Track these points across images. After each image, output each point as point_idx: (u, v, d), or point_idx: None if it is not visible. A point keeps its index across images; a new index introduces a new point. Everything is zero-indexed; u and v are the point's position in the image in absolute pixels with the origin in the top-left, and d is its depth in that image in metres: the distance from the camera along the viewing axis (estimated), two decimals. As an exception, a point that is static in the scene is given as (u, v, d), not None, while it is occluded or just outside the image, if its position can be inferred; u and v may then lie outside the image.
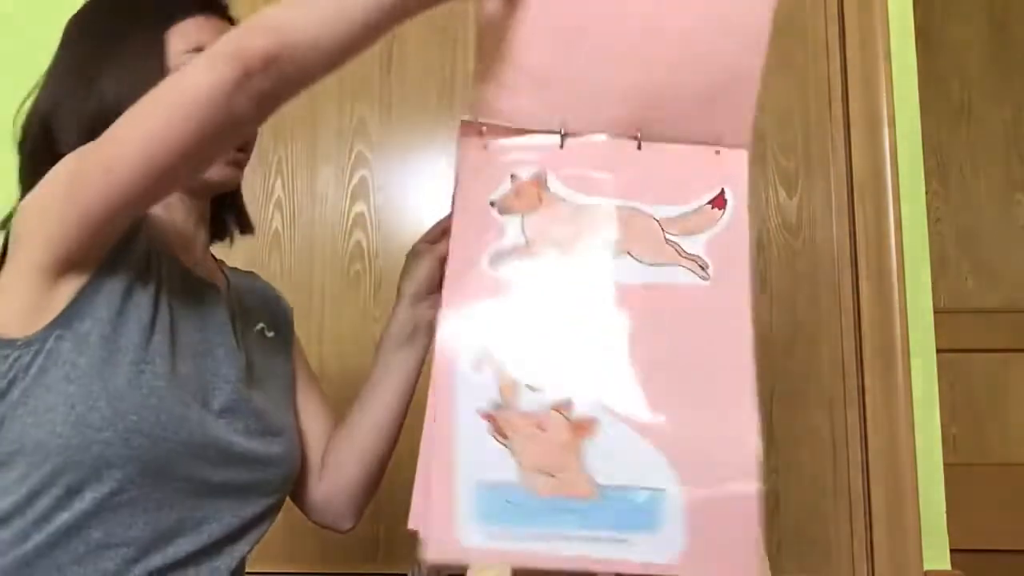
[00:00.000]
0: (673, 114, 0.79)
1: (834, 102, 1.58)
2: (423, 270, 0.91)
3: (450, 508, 0.70)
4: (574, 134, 0.80)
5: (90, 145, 0.74)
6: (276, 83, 0.68)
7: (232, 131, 0.72)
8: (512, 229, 0.78)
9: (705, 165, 0.79)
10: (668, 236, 0.77)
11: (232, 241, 1.01)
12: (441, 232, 0.89)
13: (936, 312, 1.50)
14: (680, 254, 0.77)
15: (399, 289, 0.95)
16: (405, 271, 0.94)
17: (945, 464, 1.47)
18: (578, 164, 0.79)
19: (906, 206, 1.51)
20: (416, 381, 0.95)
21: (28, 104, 0.88)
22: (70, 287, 0.76)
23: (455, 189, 0.79)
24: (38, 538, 0.74)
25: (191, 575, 0.80)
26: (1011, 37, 2.25)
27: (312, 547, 1.49)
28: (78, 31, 0.89)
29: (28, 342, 0.75)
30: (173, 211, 0.89)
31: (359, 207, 1.58)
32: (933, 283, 1.51)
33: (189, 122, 0.67)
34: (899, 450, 1.45)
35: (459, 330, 0.74)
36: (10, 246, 0.78)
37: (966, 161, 2.22)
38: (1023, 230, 2.20)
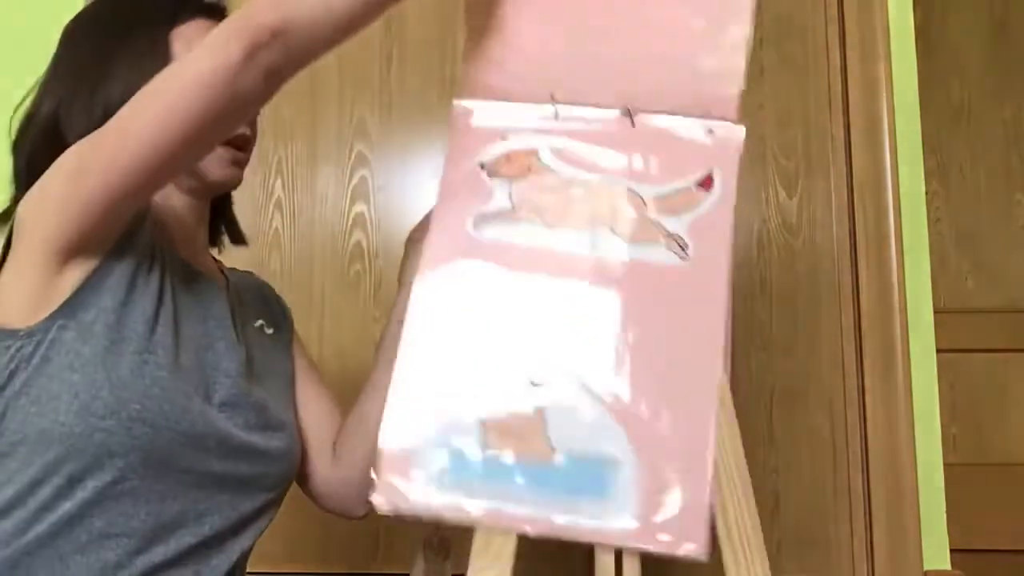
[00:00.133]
0: (661, 87, 0.80)
1: (834, 102, 1.58)
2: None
3: (408, 462, 0.70)
4: (565, 104, 0.81)
5: (96, 132, 0.75)
6: (282, 57, 0.70)
7: (242, 106, 0.74)
8: (499, 194, 0.78)
9: (697, 144, 0.80)
10: (652, 215, 0.78)
11: (221, 249, 1.02)
12: None
13: (936, 312, 1.50)
14: (662, 233, 0.77)
15: (400, 277, 0.96)
16: (406, 258, 0.96)
17: (945, 464, 1.47)
18: (571, 137, 0.80)
19: (906, 206, 1.51)
20: None
21: (25, 107, 0.88)
22: (75, 275, 0.77)
23: (447, 155, 0.80)
24: (40, 528, 0.75)
25: (192, 569, 0.81)
26: (1011, 37, 2.26)
27: (312, 547, 1.49)
28: (80, 33, 0.90)
29: (30, 332, 0.76)
30: (175, 211, 0.90)
31: (359, 207, 1.58)
32: (933, 283, 1.51)
33: (202, 98, 0.70)
34: (899, 450, 1.45)
35: (436, 288, 0.75)
36: (13, 239, 0.79)
37: (966, 161, 2.22)
38: (1023, 230, 2.20)
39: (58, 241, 0.75)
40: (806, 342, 1.52)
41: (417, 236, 0.94)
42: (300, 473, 0.98)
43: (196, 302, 0.87)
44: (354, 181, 1.59)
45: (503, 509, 0.69)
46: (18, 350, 0.76)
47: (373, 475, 0.70)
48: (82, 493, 0.75)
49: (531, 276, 0.76)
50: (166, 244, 0.86)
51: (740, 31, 0.82)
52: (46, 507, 0.75)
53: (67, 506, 0.75)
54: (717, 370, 0.73)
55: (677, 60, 0.80)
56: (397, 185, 1.58)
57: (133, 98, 0.73)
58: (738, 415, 0.74)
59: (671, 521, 0.68)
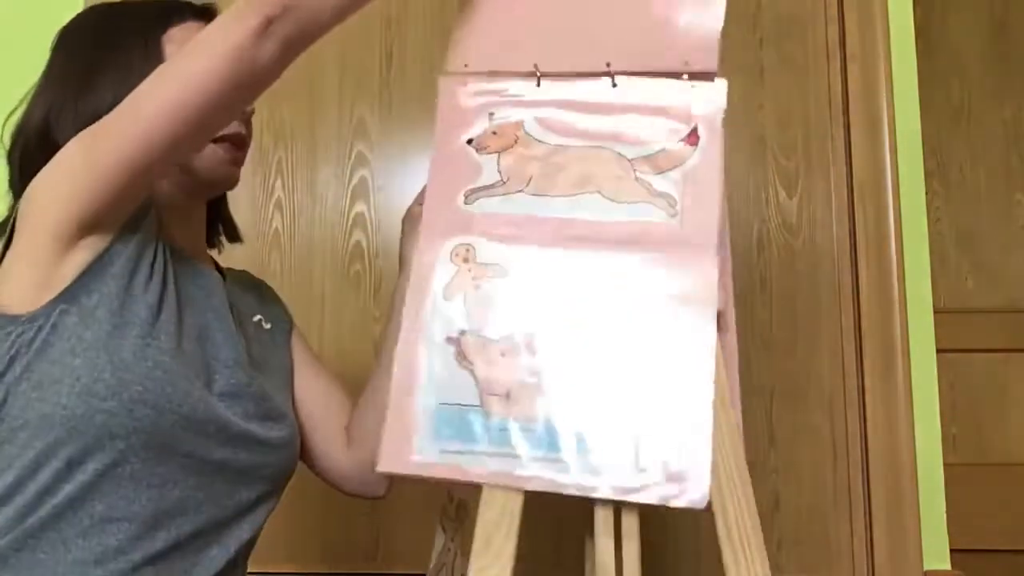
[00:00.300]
0: (642, 44, 0.82)
1: (834, 102, 1.58)
2: None
3: (409, 425, 0.73)
4: (548, 74, 0.82)
5: (108, 114, 0.77)
6: (294, 28, 0.75)
7: (259, 78, 0.77)
8: (488, 168, 0.81)
9: (679, 101, 0.81)
10: (639, 175, 0.79)
11: (220, 250, 1.03)
12: None
13: (936, 312, 1.50)
14: (650, 192, 0.78)
15: (401, 254, 0.97)
16: (406, 236, 0.97)
17: (945, 464, 1.47)
18: (554, 105, 0.82)
19: (906, 206, 1.51)
20: None
21: (18, 115, 0.89)
22: (78, 260, 0.77)
23: (436, 132, 0.83)
24: (42, 512, 0.75)
25: (190, 560, 0.81)
26: (1011, 37, 2.25)
27: (312, 547, 1.49)
28: (71, 40, 0.91)
29: (32, 317, 0.77)
30: (176, 211, 0.91)
31: (359, 207, 1.58)
32: (933, 283, 1.51)
33: (220, 69, 0.74)
34: (899, 450, 1.45)
35: (434, 261, 0.77)
36: (16, 228, 0.79)
37: (966, 161, 2.22)
38: (1023, 230, 2.20)
39: (68, 221, 0.76)
40: (806, 342, 1.52)
41: (416, 212, 0.96)
42: (317, 462, 1.00)
43: (196, 294, 0.88)
44: (354, 181, 1.59)
45: (507, 471, 0.71)
46: (19, 336, 0.77)
47: (380, 445, 0.72)
48: (82, 476, 0.75)
49: (524, 246, 0.77)
50: (167, 239, 0.87)
51: None
52: (47, 491, 0.75)
53: (68, 489, 0.75)
54: (712, 323, 0.74)
55: (656, 15, 0.82)
56: (397, 185, 1.58)
57: (148, 78, 0.76)
58: (738, 415, 0.74)
59: (673, 474, 0.70)
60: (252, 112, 0.93)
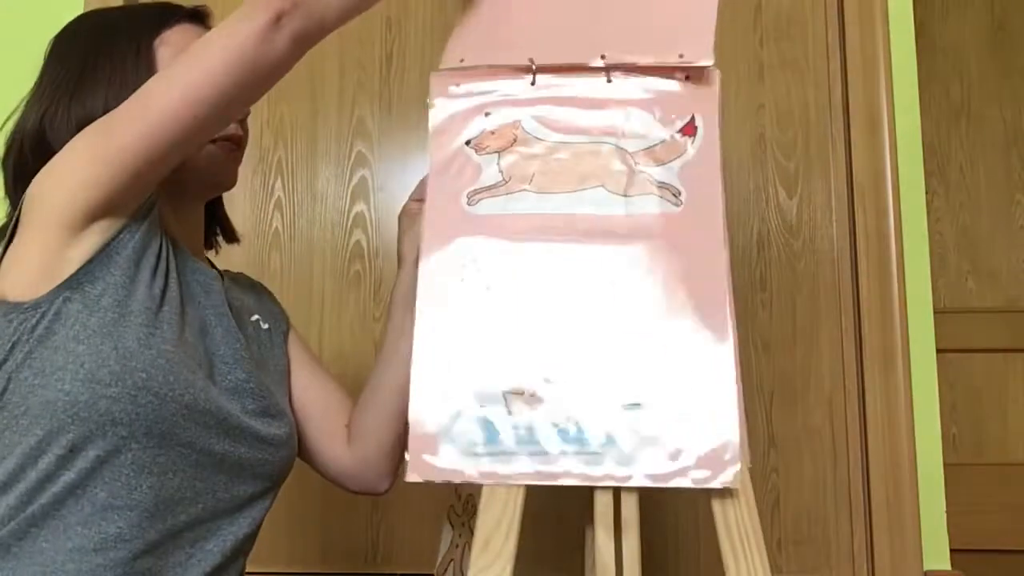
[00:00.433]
0: (636, 34, 0.82)
1: (834, 102, 1.58)
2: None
3: (433, 432, 0.73)
4: (544, 69, 0.83)
5: (122, 105, 0.78)
6: (303, 22, 0.78)
7: (271, 70, 0.79)
8: (489, 168, 0.81)
9: (675, 92, 0.82)
10: (640, 167, 0.80)
11: (218, 251, 1.04)
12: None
13: (936, 312, 1.50)
14: (653, 184, 0.79)
15: (400, 251, 0.98)
16: (403, 232, 0.97)
17: (945, 464, 1.47)
18: (550, 102, 0.82)
19: (906, 206, 1.51)
20: None
21: (12, 121, 0.90)
22: (85, 248, 0.78)
23: (430, 133, 0.83)
24: (43, 499, 0.75)
25: (186, 552, 0.82)
26: (1011, 37, 2.26)
27: (312, 547, 1.49)
28: (65, 46, 0.92)
29: (35, 305, 0.77)
30: (175, 211, 0.92)
31: (359, 207, 1.58)
32: (933, 283, 1.51)
33: (233, 61, 0.76)
34: (899, 450, 1.45)
35: (441, 265, 0.78)
36: (22, 218, 0.80)
37: (966, 161, 2.22)
38: (1023, 230, 2.20)
39: (76, 208, 0.77)
40: (806, 342, 1.52)
41: (412, 208, 0.97)
42: (318, 460, 1.00)
43: (197, 290, 0.89)
44: (354, 181, 1.59)
45: (537, 468, 0.71)
46: (21, 323, 0.77)
47: (406, 456, 0.72)
48: (84, 462, 0.75)
49: (532, 244, 0.78)
50: (170, 237, 0.88)
51: None
52: (48, 478, 0.76)
53: (69, 475, 0.75)
54: (727, 307, 0.74)
55: (651, 6, 0.83)
56: (397, 185, 1.58)
57: (161, 71, 0.80)
58: (738, 415, 0.74)
59: (703, 457, 0.71)
60: (248, 113, 0.95)
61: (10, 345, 0.77)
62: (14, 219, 0.82)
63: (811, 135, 1.58)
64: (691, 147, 0.79)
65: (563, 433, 0.72)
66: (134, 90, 0.79)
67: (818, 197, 1.56)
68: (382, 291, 1.55)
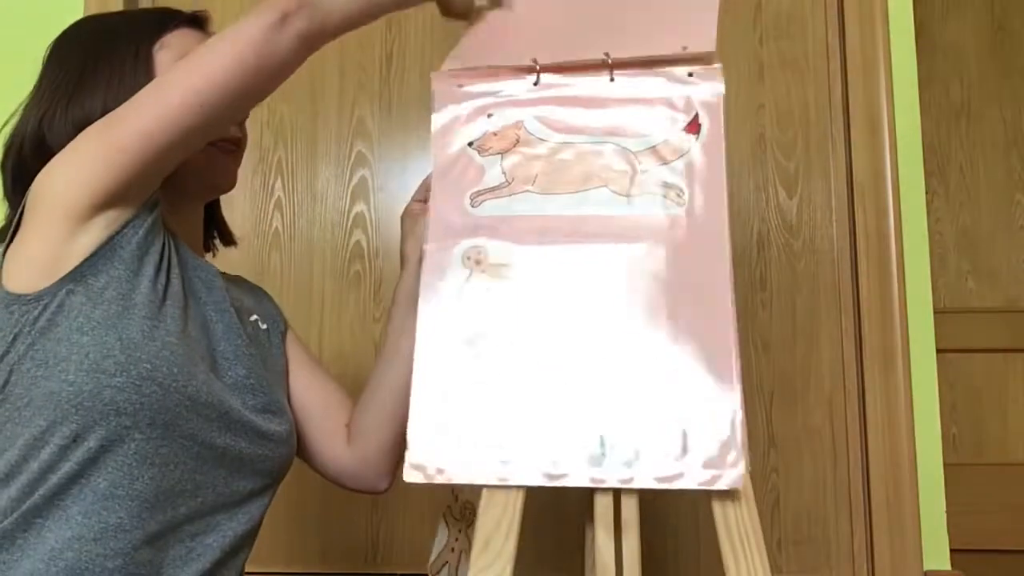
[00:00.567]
0: (639, 32, 0.83)
1: (834, 102, 1.58)
2: (425, 228, 0.93)
3: (435, 433, 0.73)
4: (546, 71, 0.83)
5: (129, 101, 0.80)
6: (309, 23, 0.81)
7: (276, 69, 0.81)
8: (492, 169, 0.81)
9: (678, 90, 0.81)
10: (644, 167, 0.79)
11: (215, 254, 1.04)
12: (428, 190, 0.94)
13: (936, 312, 1.50)
14: (657, 184, 0.79)
15: (403, 252, 0.98)
16: (406, 233, 0.98)
17: (945, 464, 1.47)
18: (553, 103, 0.82)
19: (906, 206, 1.51)
20: None
21: (12, 123, 0.90)
22: (89, 240, 0.78)
23: (433, 134, 0.83)
24: (45, 489, 0.76)
25: (186, 546, 0.82)
26: (1011, 37, 2.26)
27: (312, 547, 1.49)
28: (64, 50, 0.92)
29: (37, 297, 0.77)
30: (177, 212, 0.92)
31: (359, 207, 1.58)
32: (933, 283, 1.51)
33: (241, 61, 0.78)
34: (899, 450, 1.45)
35: (445, 267, 0.78)
36: (26, 211, 0.80)
37: (966, 161, 2.22)
38: (1023, 230, 2.20)
39: (81, 200, 0.77)
40: (806, 342, 1.52)
41: (414, 209, 0.97)
42: (317, 459, 1.00)
43: (198, 286, 0.89)
44: (354, 181, 1.59)
45: (542, 469, 0.71)
46: (23, 315, 0.77)
47: (407, 456, 0.72)
48: (85, 452, 0.76)
49: (536, 245, 0.78)
50: (171, 235, 0.88)
51: None
52: (50, 467, 0.76)
53: (71, 464, 0.76)
54: (730, 308, 0.74)
55: (654, 5, 0.83)
56: (397, 185, 1.58)
57: (170, 68, 0.82)
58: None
59: (709, 458, 0.71)
60: (247, 116, 0.96)
61: (12, 337, 0.77)
62: (16, 217, 0.82)
63: (811, 135, 1.58)
64: (695, 145, 0.79)
65: (567, 435, 0.72)
66: (133, 93, 0.80)
67: (818, 197, 1.56)
68: (382, 291, 1.55)
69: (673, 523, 1.48)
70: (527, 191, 0.80)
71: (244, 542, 0.89)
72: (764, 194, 1.56)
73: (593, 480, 0.71)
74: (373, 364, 1.02)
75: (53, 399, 0.75)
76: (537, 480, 0.71)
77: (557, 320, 0.75)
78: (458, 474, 0.72)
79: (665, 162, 0.79)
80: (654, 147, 0.80)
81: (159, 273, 0.82)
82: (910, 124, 1.53)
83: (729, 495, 0.71)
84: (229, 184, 0.97)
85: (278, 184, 1.59)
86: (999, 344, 2.14)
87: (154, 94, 0.79)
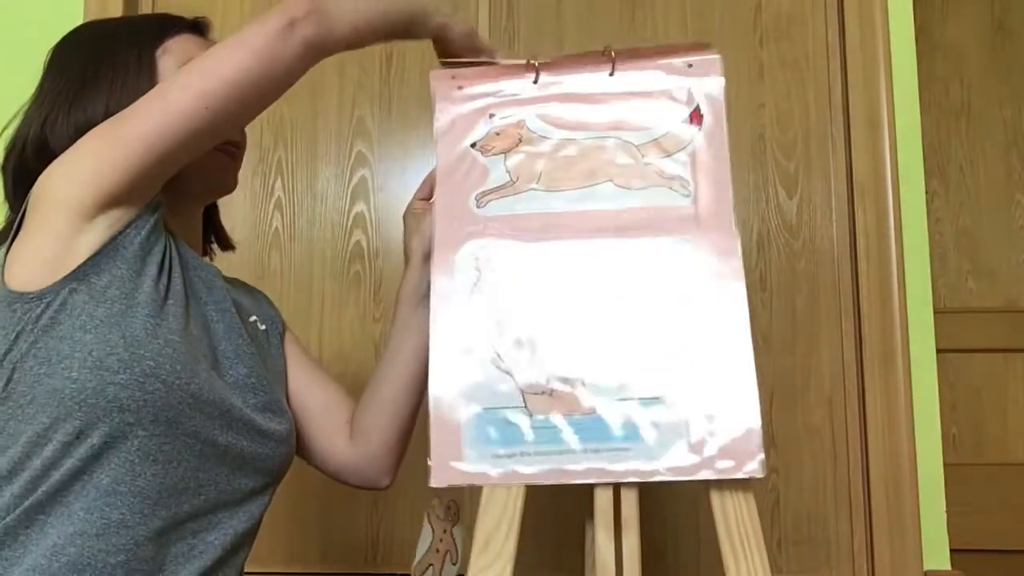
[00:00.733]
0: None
1: (834, 102, 1.58)
2: (429, 226, 0.93)
3: (455, 435, 0.73)
4: (546, 68, 0.83)
5: (135, 103, 0.80)
6: (316, 30, 0.82)
7: (282, 74, 0.83)
8: (496, 169, 0.81)
9: (678, 82, 0.82)
10: (648, 160, 0.80)
11: (212, 257, 1.04)
12: (430, 188, 0.94)
13: (936, 312, 1.50)
14: (661, 175, 0.79)
15: (407, 250, 0.98)
16: (410, 231, 0.98)
17: (945, 464, 1.47)
18: (554, 100, 0.83)
19: (906, 206, 1.51)
20: None
21: (13, 127, 0.90)
22: (92, 239, 0.78)
23: (436, 136, 0.83)
24: (47, 485, 0.76)
25: (188, 543, 0.82)
26: (1011, 37, 2.26)
27: (312, 547, 1.49)
28: (65, 55, 0.92)
29: (40, 295, 0.78)
30: (177, 214, 0.92)
31: (359, 207, 1.58)
32: (933, 283, 1.51)
33: (247, 65, 0.80)
34: (899, 450, 1.45)
35: (453, 268, 0.78)
36: (28, 211, 0.81)
37: (966, 161, 2.22)
38: (1023, 230, 2.20)
39: (86, 198, 0.77)
40: (806, 342, 1.52)
41: (417, 207, 0.98)
42: (318, 457, 1.01)
43: (199, 286, 0.90)
44: (354, 181, 1.59)
45: (560, 467, 0.71)
46: (25, 313, 0.78)
47: (429, 462, 0.72)
48: (87, 449, 0.76)
49: (543, 243, 0.78)
50: (172, 237, 0.89)
51: None
52: (53, 464, 0.76)
53: (74, 461, 0.76)
54: (743, 296, 0.75)
55: None
56: (397, 185, 1.58)
57: (177, 71, 0.83)
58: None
59: (727, 448, 0.71)
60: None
61: (15, 335, 0.78)
62: (18, 217, 0.82)
63: (811, 135, 1.58)
64: (699, 135, 0.80)
65: (585, 430, 0.72)
66: (136, 97, 0.81)
67: (818, 197, 1.56)
68: (382, 291, 1.55)
69: (673, 522, 1.48)
70: (532, 189, 0.80)
71: (245, 540, 0.89)
72: (764, 194, 1.56)
73: (613, 475, 0.71)
74: (373, 364, 1.02)
75: (56, 396, 0.75)
76: (559, 478, 0.71)
77: (569, 316, 0.75)
78: (480, 476, 0.72)
79: (668, 154, 0.79)
80: (656, 139, 0.80)
81: (161, 273, 0.82)
82: (910, 124, 1.53)
83: (731, 494, 0.71)
84: (230, 186, 0.97)
85: (278, 184, 1.59)
86: (999, 344, 2.14)
87: (161, 97, 0.80)
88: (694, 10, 1.62)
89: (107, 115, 0.82)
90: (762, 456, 0.70)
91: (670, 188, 0.78)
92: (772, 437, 1.50)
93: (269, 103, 0.86)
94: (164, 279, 0.82)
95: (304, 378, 1.01)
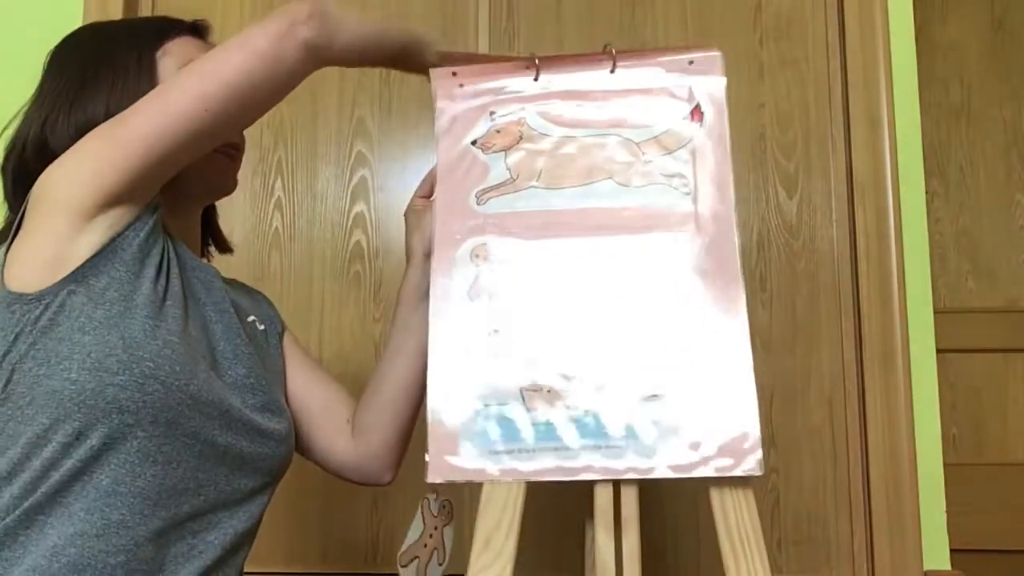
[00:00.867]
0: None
1: (834, 102, 1.58)
2: (430, 224, 0.93)
3: (453, 431, 0.73)
4: (546, 65, 0.83)
5: (135, 104, 0.81)
6: (318, 33, 0.83)
7: (282, 76, 0.83)
8: (497, 166, 0.81)
9: (680, 79, 0.82)
10: (648, 157, 0.80)
11: (209, 259, 1.04)
12: (431, 186, 0.94)
13: (936, 312, 1.50)
14: (661, 173, 0.79)
15: (408, 248, 0.98)
16: (411, 229, 0.98)
17: (945, 464, 1.47)
18: (554, 98, 0.83)
19: (906, 206, 1.51)
20: None
21: (13, 127, 0.90)
22: (92, 240, 0.79)
23: (437, 134, 0.83)
24: (47, 486, 0.76)
25: (187, 543, 0.82)
26: (1011, 37, 2.26)
27: (312, 547, 1.49)
28: (65, 57, 0.92)
29: (39, 296, 0.78)
30: (176, 216, 0.92)
31: (359, 207, 1.58)
32: (933, 283, 1.51)
33: (248, 66, 0.80)
34: (899, 450, 1.45)
35: (453, 265, 0.78)
36: (28, 211, 0.81)
37: (966, 161, 2.22)
38: (1023, 230, 2.20)
39: (85, 198, 0.78)
40: (806, 342, 1.52)
41: (418, 204, 0.98)
42: (319, 455, 1.01)
43: (198, 287, 0.90)
44: (354, 181, 1.59)
45: (558, 464, 0.71)
46: (24, 314, 0.78)
47: (427, 457, 0.72)
48: (87, 450, 0.76)
49: (544, 240, 0.78)
50: (171, 238, 0.89)
51: None
52: (53, 464, 0.76)
53: (73, 461, 0.76)
54: (741, 294, 0.75)
55: None
56: (397, 185, 1.58)
57: (178, 72, 0.83)
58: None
59: (725, 446, 0.71)
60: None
61: (14, 336, 0.78)
62: (18, 218, 0.83)
63: (811, 135, 1.58)
64: (700, 132, 0.80)
65: (583, 428, 0.72)
66: (135, 98, 0.81)
67: (818, 197, 1.56)
68: (382, 291, 1.55)
69: (673, 522, 1.48)
70: (532, 186, 0.80)
71: (244, 540, 0.89)
72: (764, 194, 1.56)
73: (611, 472, 0.71)
74: (373, 364, 1.02)
75: (55, 397, 0.75)
76: (556, 475, 0.71)
77: (568, 314, 0.75)
78: (478, 473, 0.72)
79: (669, 151, 0.79)
80: (657, 137, 0.80)
81: (159, 274, 0.82)
82: (910, 124, 1.53)
83: (731, 494, 0.71)
84: (229, 187, 0.97)
85: (278, 184, 1.59)
86: (999, 344, 2.14)
87: (161, 98, 0.80)
88: (694, 10, 1.62)
89: (107, 116, 0.82)
90: (759, 455, 0.70)
91: (670, 186, 0.78)
92: (772, 437, 1.50)
93: (269, 106, 0.86)
94: (162, 281, 0.83)
95: (304, 378, 1.01)
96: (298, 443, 0.98)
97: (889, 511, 1.45)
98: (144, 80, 0.88)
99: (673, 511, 1.48)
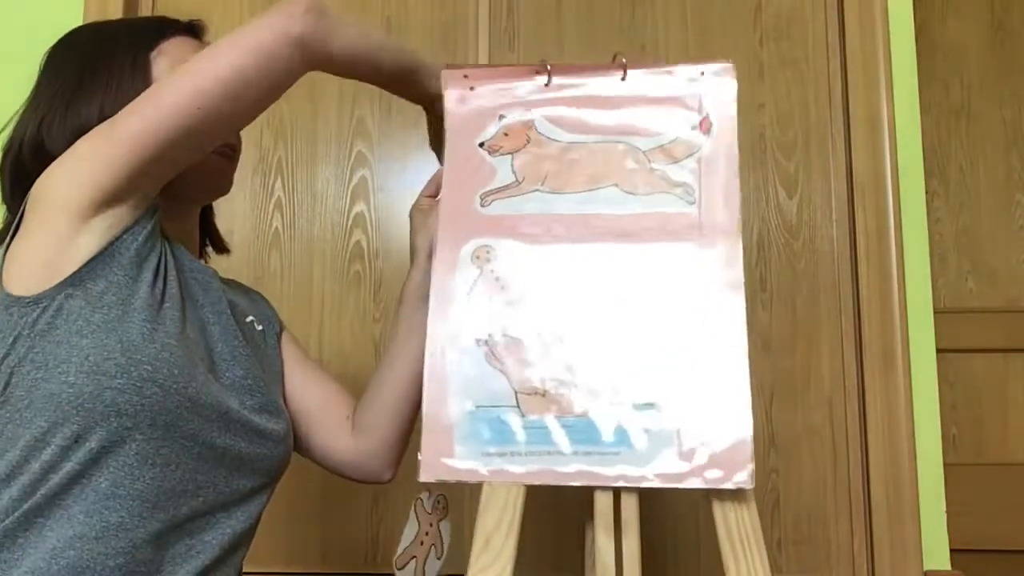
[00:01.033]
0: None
1: (834, 102, 1.58)
2: (435, 223, 0.93)
3: (447, 431, 0.73)
4: (558, 71, 0.83)
5: (131, 103, 0.81)
6: (314, 32, 0.82)
7: (277, 74, 0.82)
8: (503, 169, 0.81)
9: (689, 89, 0.82)
10: (654, 165, 0.80)
11: (207, 260, 1.05)
12: (437, 186, 0.94)
13: (936, 312, 1.50)
14: (667, 182, 0.79)
15: (413, 247, 0.98)
16: (416, 228, 0.98)
17: (945, 464, 1.47)
18: (564, 103, 0.83)
19: (906, 206, 1.51)
20: None
21: (10, 128, 0.91)
22: (89, 243, 0.79)
23: (446, 135, 0.83)
24: (46, 489, 0.76)
25: (186, 543, 0.83)
26: (1011, 37, 2.25)
27: (312, 547, 1.49)
28: (61, 57, 0.93)
29: (37, 300, 0.78)
30: (173, 217, 0.92)
31: (359, 207, 1.58)
32: (933, 283, 1.51)
33: (242, 64, 0.80)
34: (899, 450, 1.45)
35: (454, 266, 0.78)
36: (26, 214, 0.81)
37: (966, 161, 2.22)
38: (1023, 230, 2.20)
39: (83, 198, 0.78)
40: (806, 342, 1.52)
41: (424, 204, 0.98)
42: (319, 454, 1.01)
43: (195, 289, 0.90)
44: (354, 181, 1.59)
45: (549, 468, 0.72)
46: (22, 317, 0.78)
47: (419, 456, 0.73)
48: (86, 452, 0.76)
49: (545, 244, 0.78)
50: (168, 240, 0.89)
51: None
52: (51, 467, 0.76)
53: (72, 464, 0.76)
54: (741, 305, 0.75)
55: None
56: (397, 185, 1.58)
57: (173, 70, 0.83)
58: (738, 415, 0.74)
59: (717, 457, 0.71)
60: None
61: (12, 339, 0.78)
62: (16, 219, 0.83)
63: (811, 135, 1.58)
64: (707, 143, 0.80)
65: (576, 433, 0.72)
66: (130, 99, 0.81)
67: (818, 197, 1.56)
68: (382, 291, 1.55)
69: (673, 523, 1.48)
70: (537, 190, 0.80)
71: (243, 540, 0.89)
72: (764, 194, 1.56)
73: (602, 479, 0.71)
74: (373, 364, 1.02)
75: (54, 400, 0.75)
76: (547, 479, 0.71)
77: (566, 318, 0.75)
78: (470, 473, 0.72)
79: (675, 160, 0.79)
80: (665, 146, 0.80)
81: (157, 277, 0.82)
82: (910, 124, 1.53)
83: (730, 495, 0.71)
84: (225, 188, 0.97)
85: (278, 184, 1.59)
86: (999, 344, 2.14)
87: (156, 95, 0.80)
88: (694, 10, 1.62)
89: (102, 117, 0.82)
90: (752, 467, 0.70)
91: (675, 195, 0.78)
92: (772, 437, 1.50)
93: (264, 105, 0.86)
94: (160, 283, 0.83)
95: (302, 377, 1.02)
96: (297, 442, 0.98)
97: (889, 511, 1.45)
98: (139, 81, 0.88)
99: (673, 512, 1.48)
